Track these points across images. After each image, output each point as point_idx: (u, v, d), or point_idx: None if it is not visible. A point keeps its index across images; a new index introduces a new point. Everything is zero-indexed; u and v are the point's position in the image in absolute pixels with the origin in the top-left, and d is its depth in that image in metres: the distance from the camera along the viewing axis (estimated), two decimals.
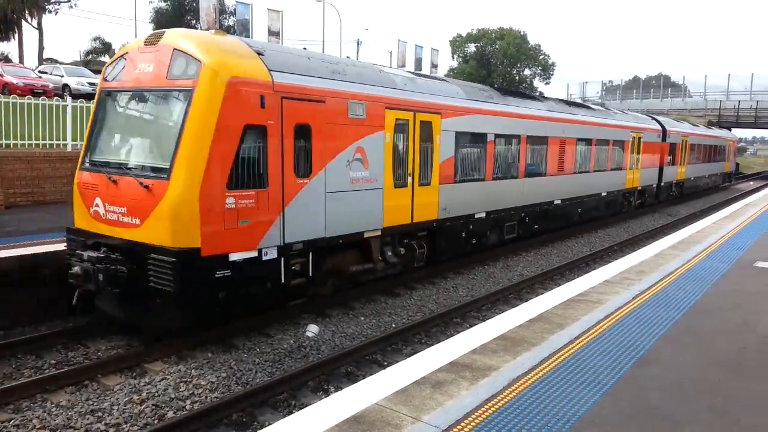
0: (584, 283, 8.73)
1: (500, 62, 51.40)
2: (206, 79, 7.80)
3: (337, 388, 7.45)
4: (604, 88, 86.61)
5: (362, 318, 10.55)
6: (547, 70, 52.64)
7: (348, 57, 23.19)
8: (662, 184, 27.69)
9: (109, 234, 8.37)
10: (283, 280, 8.95)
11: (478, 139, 14.05)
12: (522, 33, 51.06)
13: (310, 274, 9.56)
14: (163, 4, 50.00)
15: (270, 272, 8.70)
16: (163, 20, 49.70)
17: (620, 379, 5.25)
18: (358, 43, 61.57)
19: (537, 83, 53.48)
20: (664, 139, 27.16)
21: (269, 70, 8.56)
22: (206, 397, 7.28)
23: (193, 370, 7.88)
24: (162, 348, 8.47)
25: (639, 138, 24.08)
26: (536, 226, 17.17)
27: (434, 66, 43.53)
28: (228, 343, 8.90)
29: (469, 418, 4.42)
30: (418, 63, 42.21)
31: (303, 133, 9.06)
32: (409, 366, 5.45)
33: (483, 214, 14.32)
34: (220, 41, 8.60)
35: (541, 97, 20.93)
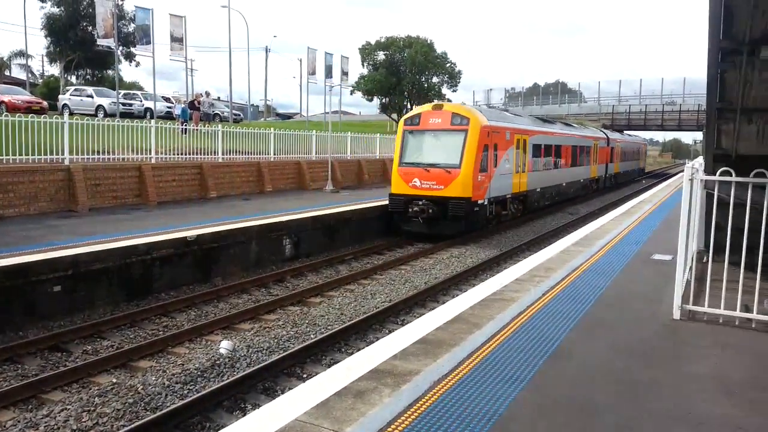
0: (497, 282, 8.91)
1: (409, 70, 52.24)
2: (473, 123, 18.35)
3: (255, 406, 7.16)
4: (507, 94, 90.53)
5: (278, 330, 10.25)
6: (454, 78, 54.10)
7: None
8: (607, 175, 39.27)
9: (423, 194, 18.27)
10: (488, 214, 19.78)
11: (538, 147, 24.36)
12: (429, 41, 52.26)
13: (492, 213, 20.20)
14: (55, 10, 46.87)
15: (485, 209, 19.41)
16: (56, 26, 46.60)
17: (537, 373, 5.35)
18: (267, 50, 60.74)
19: (445, 90, 54.90)
20: (608, 144, 38.67)
21: (487, 120, 19.18)
22: (112, 426, 6.76)
23: (96, 398, 7.31)
24: (62, 375, 7.83)
25: (596, 144, 35.38)
26: (556, 198, 27.91)
27: (345, 73, 43.65)
28: (132, 366, 8.35)
29: (393, 426, 4.33)
30: (329, 70, 42.22)
31: (495, 147, 19.54)
32: (330, 377, 5.28)
33: (540, 188, 25.05)
34: (472, 109, 20.08)
35: (551, 119, 32.08)
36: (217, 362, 8.59)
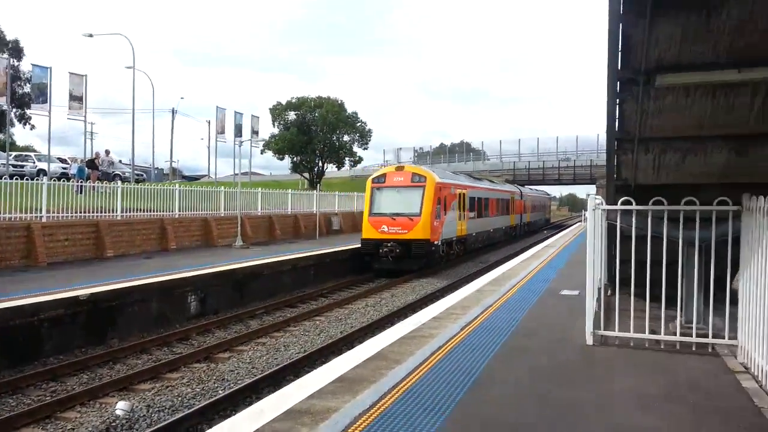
0: (415, 320, 8.75)
1: (320, 129, 52.76)
2: (429, 181, 22.40)
3: None
4: (416, 154, 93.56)
5: (182, 389, 9.43)
6: (364, 137, 55.20)
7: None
8: (522, 223, 43.92)
9: (390, 238, 21.72)
10: (441, 252, 23.40)
11: (473, 199, 29.03)
12: (340, 102, 53.31)
13: (443, 252, 23.80)
14: None
15: (439, 248, 22.89)
16: None
17: (459, 402, 5.14)
18: (173, 112, 59.49)
19: (356, 148, 55.77)
20: (521, 197, 43.53)
21: (439, 178, 23.25)
22: None
23: None
24: None
25: (513, 197, 40.28)
26: (486, 241, 32.36)
27: (255, 132, 43.34)
28: None
29: None
30: (238, 129, 41.75)
31: (445, 199, 23.30)
32: (240, 421, 4.81)
33: (475, 233, 29.41)
34: (427, 169, 25.22)
35: (480, 177, 38.12)
36: (113, 425, 7.71)
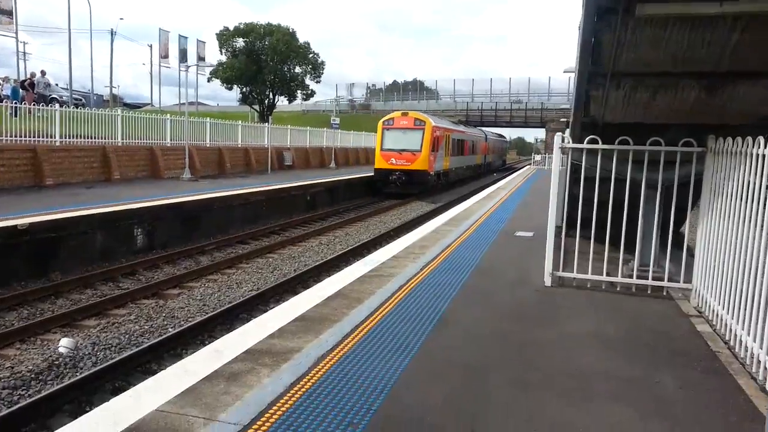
0: (375, 259, 8.62)
1: (271, 59, 50.56)
2: (427, 126, 28.66)
3: None
4: (368, 90, 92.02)
5: (130, 326, 9.11)
6: (317, 69, 53.29)
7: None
8: (485, 162, 50.50)
9: (397, 168, 27.90)
10: (434, 181, 30.20)
11: (455, 141, 34.92)
12: (291, 30, 50.96)
13: (435, 181, 30.39)
14: None
15: (433, 177, 29.62)
16: None
17: (425, 341, 5.06)
18: (112, 33, 55.82)
19: (308, 81, 53.97)
20: (486, 141, 50.09)
21: (434, 123, 29.39)
22: None
23: None
24: None
25: (481, 141, 47.21)
26: (461, 175, 38.41)
27: (201, 58, 41.23)
28: None
29: (275, 407, 3.77)
30: (183, 54, 39.62)
31: (437, 139, 29.30)
32: (197, 361, 4.58)
33: (455, 168, 35.54)
34: (426, 115, 30.94)
35: (461, 123, 46.06)
36: (56, 362, 7.37)
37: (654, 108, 6.64)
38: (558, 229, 7.42)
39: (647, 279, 7.00)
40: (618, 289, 7.11)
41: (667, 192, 7.13)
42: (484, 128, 57.13)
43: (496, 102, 68.82)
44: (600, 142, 6.90)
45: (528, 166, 54.21)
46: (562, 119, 61.89)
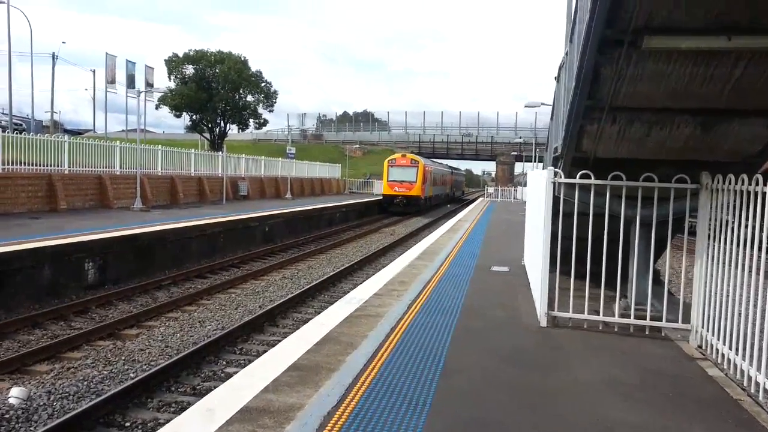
0: (357, 296, 8.19)
1: (221, 87, 49.68)
2: (420, 165, 41.20)
3: None
4: (320, 120, 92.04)
5: (87, 371, 8.32)
6: (269, 98, 52.67)
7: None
8: (451, 192, 61.35)
9: (399, 194, 40.23)
10: (424, 203, 42.75)
11: (434, 175, 47.57)
12: (243, 58, 50.37)
13: (423, 203, 42.50)
14: None
15: (424, 201, 42.01)
16: None
17: (435, 396, 4.66)
18: (54, 56, 53.87)
19: (261, 110, 53.20)
20: (451, 174, 61.46)
21: (423, 162, 42.65)
22: None
23: None
24: None
25: (448, 175, 58.55)
26: (436, 202, 49.06)
27: (149, 84, 40.17)
28: None
29: None
30: (131, 80, 38.49)
31: (425, 173, 41.54)
32: (185, 424, 4.03)
33: (434, 195, 47.48)
34: (418, 157, 44.82)
35: (435, 161, 58.25)
36: (6, 416, 6.55)
37: (647, 144, 6.58)
38: (550, 267, 7.19)
39: (645, 319, 6.85)
40: (615, 329, 6.92)
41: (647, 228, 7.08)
42: (441, 161, 60.34)
43: (448, 135, 69.99)
44: (593, 177, 6.78)
45: (481, 198, 54.98)
46: (513, 152, 63.46)
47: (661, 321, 6.88)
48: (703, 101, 5.82)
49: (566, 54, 7.21)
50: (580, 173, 6.85)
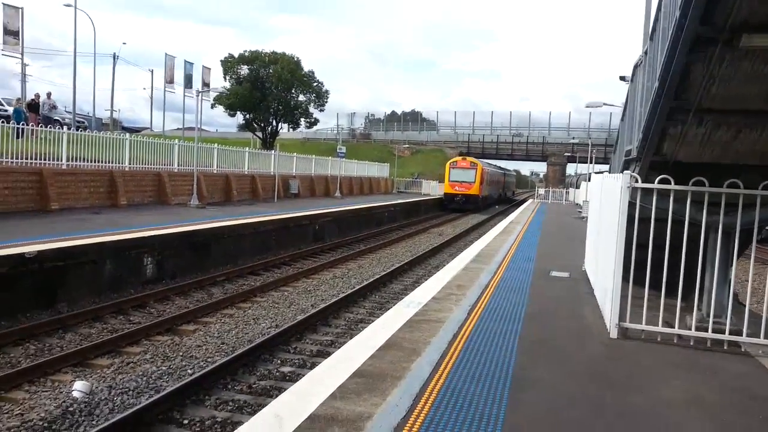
0: (415, 300, 8.00)
1: (275, 86, 50.38)
2: (478, 167, 45.70)
3: None
4: (368, 120, 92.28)
5: (146, 366, 8.42)
6: (321, 98, 53.13)
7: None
8: (504, 192, 63.51)
9: (459, 193, 44.49)
10: (482, 202, 46.77)
11: (490, 177, 50.57)
12: (296, 59, 50.96)
13: (480, 202, 46.95)
14: None
15: (482, 200, 46.41)
16: None
17: (507, 411, 4.43)
18: (115, 57, 55.75)
19: (312, 109, 53.70)
20: (504, 176, 64.21)
21: (481, 164, 46.78)
22: None
23: None
24: None
25: (501, 175, 61.71)
26: (492, 200, 52.76)
27: (206, 84, 41.08)
28: None
29: None
30: (189, 79, 39.44)
31: (482, 174, 45.77)
32: (252, 431, 3.94)
33: (488, 194, 50.11)
34: (477, 160, 48.89)
35: (489, 162, 58.40)
36: (70, 409, 6.66)
37: (734, 147, 6.15)
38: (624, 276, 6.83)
39: (723, 333, 6.42)
40: (691, 343, 6.51)
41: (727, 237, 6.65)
42: (490, 161, 60.25)
43: (498, 135, 68.94)
44: (673, 182, 6.40)
45: (531, 200, 53.95)
46: (565, 153, 62.00)
47: (741, 335, 6.45)
48: None
49: (645, 53, 6.84)
50: (659, 178, 6.47)
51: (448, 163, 46.87)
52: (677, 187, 6.42)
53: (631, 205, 6.78)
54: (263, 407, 7.04)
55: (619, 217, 6.68)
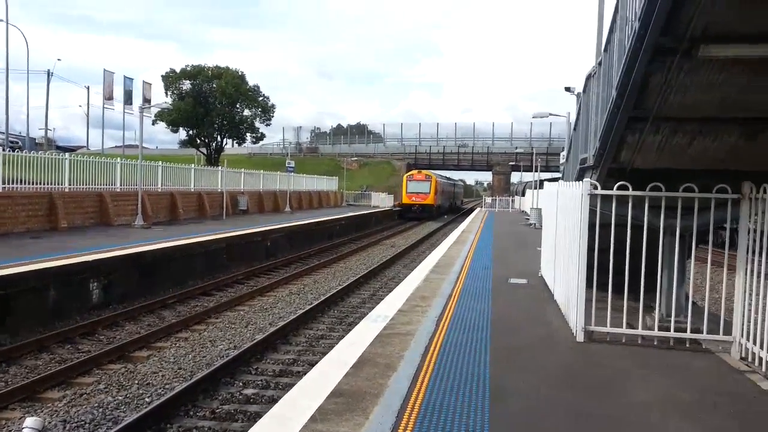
0: (381, 314, 7.91)
1: (219, 101, 49.48)
2: (432, 180, 50.22)
3: None
4: (314, 133, 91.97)
5: (102, 396, 7.98)
6: (267, 112, 52.54)
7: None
8: (454, 201, 66.45)
9: (416, 203, 48.92)
10: (437, 211, 51.20)
11: (442, 188, 54.87)
12: (240, 73, 50.26)
13: (435, 211, 51.18)
14: None
15: (436, 209, 50.55)
16: None
17: (491, 421, 4.39)
18: (49, 73, 53.53)
19: (258, 124, 53.01)
20: (454, 187, 67.26)
21: (435, 177, 51.42)
22: None
23: None
24: None
25: (452, 186, 64.45)
26: (443, 209, 55.65)
27: (147, 100, 39.95)
28: None
29: None
30: (129, 95, 38.29)
31: (436, 186, 50.38)
32: None
33: (442, 203, 54.62)
34: (431, 172, 53.45)
35: (440, 174, 60.06)
36: None
37: (688, 153, 6.38)
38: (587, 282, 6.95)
39: (685, 332, 6.61)
40: (654, 343, 6.68)
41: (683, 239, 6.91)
42: (440, 172, 61.55)
43: (444, 146, 69.90)
44: (630, 188, 6.57)
45: (478, 208, 54.91)
46: (510, 162, 63.46)
47: (702, 333, 6.66)
48: (754, 110, 5.63)
49: (599, 64, 7.03)
50: (617, 184, 6.64)
51: (405, 176, 50.93)
52: (636, 193, 6.60)
53: (591, 212, 6.93)
54: None
55: (581, 224, 6.81)
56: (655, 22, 4.60)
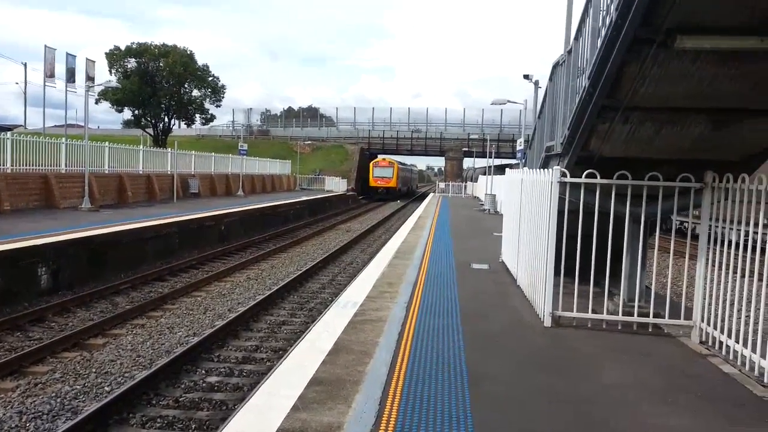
0: (350, 300, 7.86)
1: (166, 81, 47.79)
2: (395, 166, 60.06)
3: None
4: (264, 116, 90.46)
5: (58, 386, 7.66)
6: (217, 93, 51.16)
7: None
8: (412, 185, 74.40)
9: (382, 186, 58.56)
10: (399, 192, 60.46)
11: (403, 173, 65.07)
12: (189, 52, 48.58)
13: (398, 191, 60.36)
14: None
15: (398, 191, 59.86)
16: None
17: (472, 411, 4.41)
18: None
19: (208, 105, 51.56)
20: (411, 172, 73.69)
21: (397, 163, 61.30)
22: None
23: None
24: None
25: (409, 171, 73.67)
26: (405, 191, 66.33)
27: (90, 78, 38.26)
28: None
29: None
30: (71, 73, 36.49)
31: (398, 170, 60.19)
32: None
33: (403, 186, 64.13)
34: (394, 159, 63.21)
35: (400, 161, 66.36)
36: None
37: (655, 143, 6.54)
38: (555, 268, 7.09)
39: (648, 317, 6.84)
40: (619, 327, 6.88)
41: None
42: (394, 157, 63.50)
43: (397, 131, 69.90)
44: (598, 176, 6.71)
45: (432, 194, 55.43)
46: (462, 148, 64.08)
47: (664, 318, 6.91)
48: (722, 100, 5.79)
49: (568, 52, 7.10)
50: (586, 172, 6.76)
51: (372, 163, 59.24)
52: (604, 181, 6.75)
53: (560, 199, 7.05)
54: (194, 421, 6.68)
55: (550, 212, 6.92)
56: (635, 12, 4.66)
